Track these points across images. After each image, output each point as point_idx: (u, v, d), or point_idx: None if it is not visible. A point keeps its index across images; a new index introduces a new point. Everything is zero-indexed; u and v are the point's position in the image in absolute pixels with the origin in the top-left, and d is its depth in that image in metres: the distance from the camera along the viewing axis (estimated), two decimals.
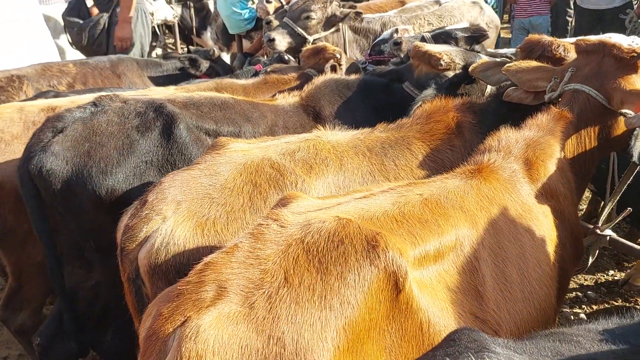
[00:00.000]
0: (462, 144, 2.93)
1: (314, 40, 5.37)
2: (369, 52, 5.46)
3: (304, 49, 4.55)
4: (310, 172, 2.48)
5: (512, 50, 4.38)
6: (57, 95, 3.98)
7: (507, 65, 2.89)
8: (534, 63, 2.95)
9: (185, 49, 9.50)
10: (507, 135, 2.49)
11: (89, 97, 3.22)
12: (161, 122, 2.82)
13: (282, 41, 5.26)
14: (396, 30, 5.14)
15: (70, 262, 3.08)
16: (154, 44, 8.88)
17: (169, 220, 2.11)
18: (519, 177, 2.32)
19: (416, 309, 1.65)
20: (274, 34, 5.18)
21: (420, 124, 2.90)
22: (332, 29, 5.52)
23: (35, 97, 4.06)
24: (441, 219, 1.92)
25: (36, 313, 3.53)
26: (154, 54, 9.10)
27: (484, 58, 3.35)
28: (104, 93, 3.27)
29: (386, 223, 1.78)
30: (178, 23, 8.78)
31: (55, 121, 2.75)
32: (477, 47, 3.73)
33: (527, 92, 2.91)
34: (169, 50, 9.07)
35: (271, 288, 1.50)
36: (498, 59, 3.32)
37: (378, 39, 5.55)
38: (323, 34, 5.56)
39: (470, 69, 3.21)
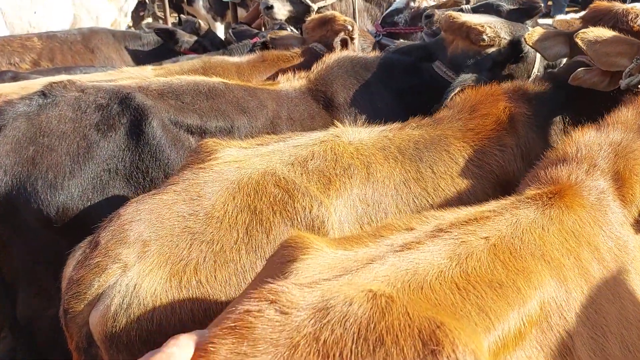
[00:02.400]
0: (514, 142, 2.32)
1: (319, 8, 4.68)
2: (379, 22, 4.79)
3: (309, 19, 3.87)
4: (328, 188, 1.87)
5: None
6: (16, 76, 3.35)
7: (582, 31, 2.22)
8: (610, 32, 2.28)
9: (176, 19, 8.73)
10: (587, 139, 1.86)
11: (45, 82, 2.58)
12: (128, 118, 2.18)
13: (281, 9, 4.57)
14: None
15: (24, 289, 2.49)
16: (141, 12, 8.13)
17: (132, 269, 1.50)
18: (608, 201, 1.69)
19: None
20: (272, 1, 4.49)
21: (462, 119, 2.28)
22: None
23: None
24: (520, 278, 1.30)
25: None
26: (143, 24, 8.35)
27: (538, 28, 2.68)
28: (62, 77, 2.63)
29: (445, 295, 1.17)
30: None
31: None
32: (528, 23, 3.05)
33: (603, 74, 2.25)
34: (160, 20, 8.33)
35: None
36: (558, 29, 2.65)
37: (390, 8, 4.87)
38: (329, 1, 4.87)
39: (526, 37, 2.54)
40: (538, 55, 2.90)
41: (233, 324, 1.04)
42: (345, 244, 1.36)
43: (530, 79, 2.94)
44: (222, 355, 1.00)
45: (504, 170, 2.28)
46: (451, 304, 1.16)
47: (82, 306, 1.51)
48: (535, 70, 2.97)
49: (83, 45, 4.01)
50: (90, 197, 2.10)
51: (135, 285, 1.49)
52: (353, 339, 1.01)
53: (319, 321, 1.04)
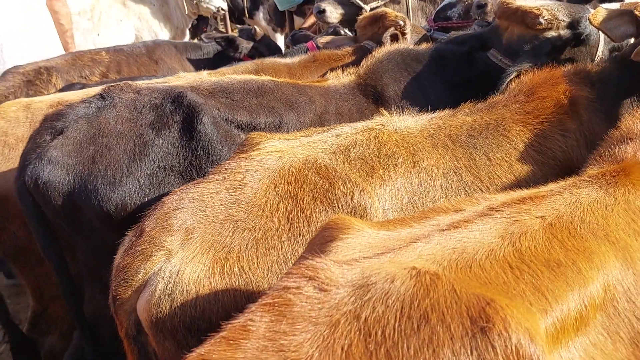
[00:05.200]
0: (577, 127, 2.18)
1: (371, 9, 4.64)
2: (432, 17, 4.69)
3: (360, 17, 3.84)
4: (371, 176, 1.83)
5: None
6: (84, 87, 3.53)
7: None
8: None
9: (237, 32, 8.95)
10: None
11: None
12: (180, 116, 2.23)
13: (333, 12, 4.55)
14: None
15: (89, 286, 2.60)
16: (204, 28, 8.41)
17: (176, 256, 1.53)
18: None
19: None
20: (324, 5, 4.48)
21: (519, 102, 2.17)
22: None
23: (62, 90, 3.63)
24: (580, 258, 1.21)
25: (65, 336, 3.11)
26: (202, 35, 8.63)
27: (600, 8, 2.51)
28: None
29: (495, 274, 1.10)
30: (228, 3, 8.21)
31: (54, 120, 2.23)
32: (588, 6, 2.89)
33: None
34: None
35: None
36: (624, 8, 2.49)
37: (443, 3, 4.76)
38: (381, 1, 4.81)
39: (590, 18, 2.40)
40: (602, 37, 2.73)
41: (271, 301, 1.02)
42: (388, 225, 1.31)
43: (594, 63, 2.78)
44: (259, 333, 0.98)
45: (567, 156, 2.15)
46: (503, 282, 1.09)
47: (130, 293, 1.55)
48: (599, 53, 2.79)
49: (147, 57, 4.19)
50: (146, 193, 2.16)
51: (179, 271, 1.51)
52: (396, 316, 0.97)
53: (359, 298, 1.00)
